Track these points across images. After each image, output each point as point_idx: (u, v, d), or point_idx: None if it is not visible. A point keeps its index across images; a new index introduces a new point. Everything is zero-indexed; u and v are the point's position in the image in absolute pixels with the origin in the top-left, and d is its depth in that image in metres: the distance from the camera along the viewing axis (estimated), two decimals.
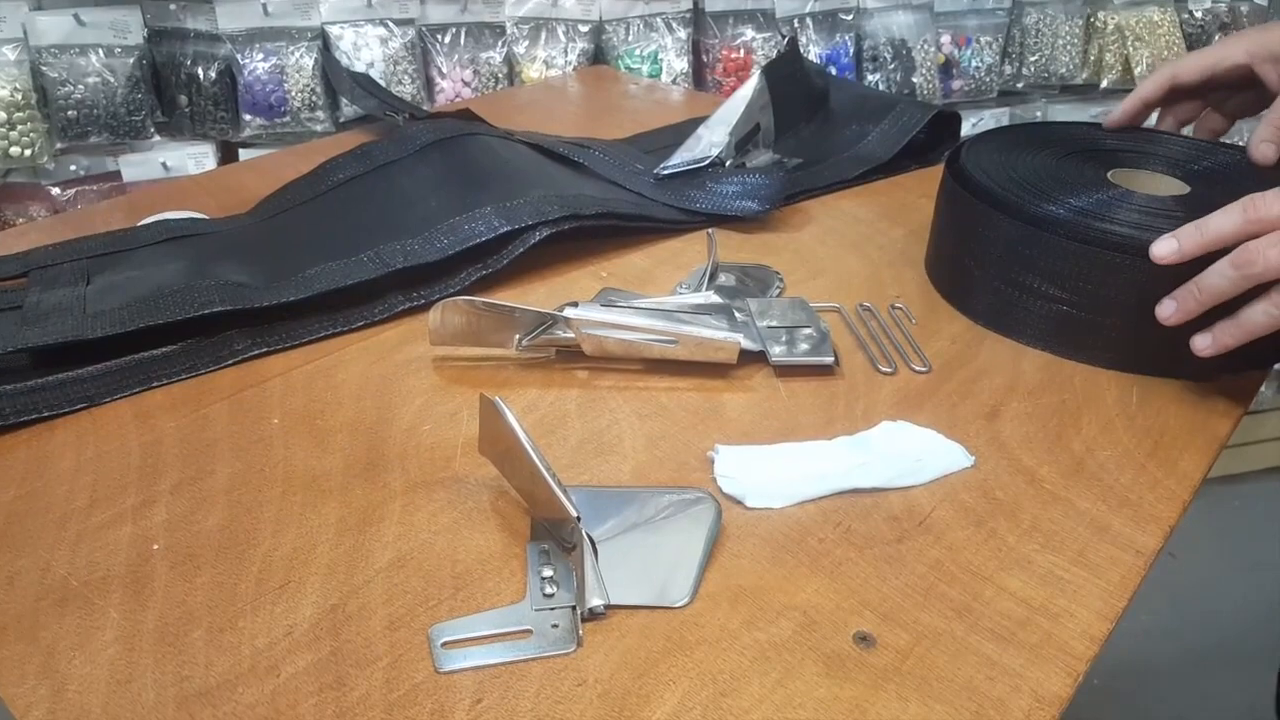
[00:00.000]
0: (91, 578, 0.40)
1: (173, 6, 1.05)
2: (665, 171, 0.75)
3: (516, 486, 0.44)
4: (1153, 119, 0.71)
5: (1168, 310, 0.49)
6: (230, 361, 0.55)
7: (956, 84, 1.37)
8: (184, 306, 0.55)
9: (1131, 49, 1.45)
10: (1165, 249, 0.49)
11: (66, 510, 0.44)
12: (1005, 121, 1.43)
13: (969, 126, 1.40)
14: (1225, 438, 0.49)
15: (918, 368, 0.55)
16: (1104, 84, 1.47)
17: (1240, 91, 0.68)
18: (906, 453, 0.47)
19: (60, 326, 0.55)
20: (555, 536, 0.42)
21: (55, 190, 1.09)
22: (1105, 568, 0.40)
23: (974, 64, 1.36)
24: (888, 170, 0.80)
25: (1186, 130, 0.70)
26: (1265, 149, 0.62)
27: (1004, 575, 0.40)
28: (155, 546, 0.42)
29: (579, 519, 0.39)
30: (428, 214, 0.65)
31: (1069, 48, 1.42)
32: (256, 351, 0.56)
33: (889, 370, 0.54)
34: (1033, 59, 1.42)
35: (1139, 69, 1.44)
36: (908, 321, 0.59)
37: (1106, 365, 0.54)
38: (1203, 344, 0.49)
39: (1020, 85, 1.43)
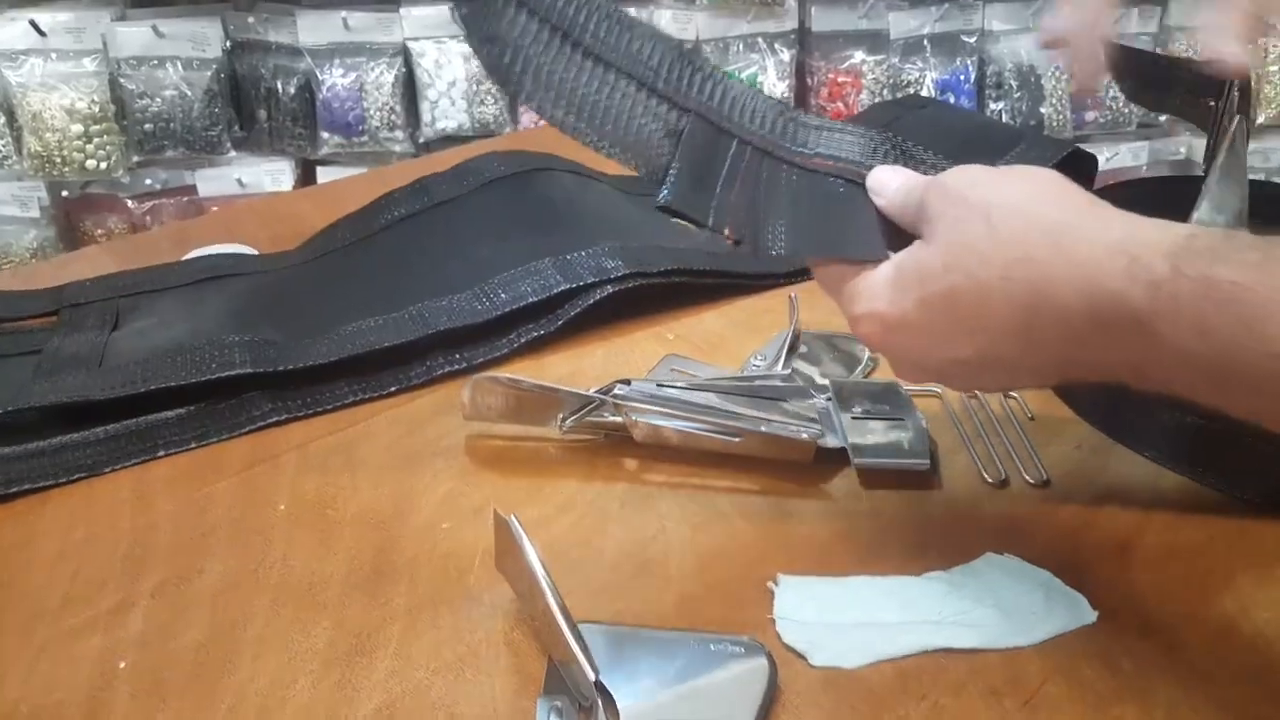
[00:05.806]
0: (45, 702, 0.36)
1: (252, 19, 1.02)
2: None
3: (532, 616, 0.37)
4: None
5: None
6: (247, 429, 0.50)
7: (1090, 115, 1.24)
8: (203, 367, 0.50)
9: None
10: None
11: (38, 609, 0.40)
12: (1144, 157, 1.29)
13: (1103, 161, 1.27)
14: None
15: (1032, 479, 0.45)
16: (1261, 119, 1.31)
17: None
18: (1016, 604, 0.38)
19: (70, 383, 0.50)
20: (571, 691, 0.34)
21: (131, 203, 1.08)
22: None
23: (1111, 94, 1.23)
24: None
25: None
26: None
27: None
28: (121, 665, 0.37)
29: (597, 681, 0.32)
30: (481, 263, 0.58)
31: None
32: (277, 418, 0.50)
33: (997, 481, 0.45)
34: None
35: None
36: (1024, 415, 0.50)
37: (1256, 498, 0.43)
38: None
39: (1163, 119, 1.29)
